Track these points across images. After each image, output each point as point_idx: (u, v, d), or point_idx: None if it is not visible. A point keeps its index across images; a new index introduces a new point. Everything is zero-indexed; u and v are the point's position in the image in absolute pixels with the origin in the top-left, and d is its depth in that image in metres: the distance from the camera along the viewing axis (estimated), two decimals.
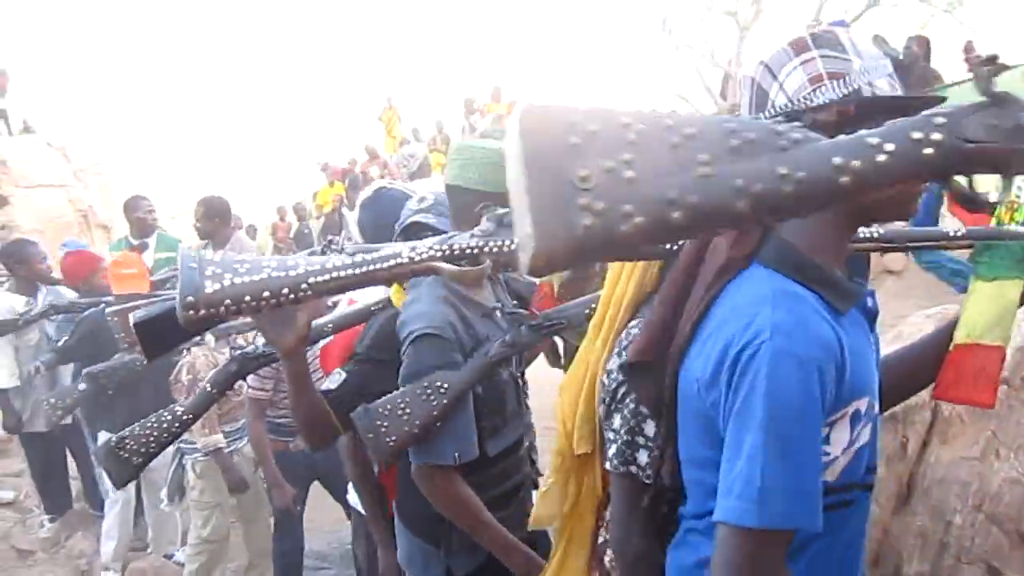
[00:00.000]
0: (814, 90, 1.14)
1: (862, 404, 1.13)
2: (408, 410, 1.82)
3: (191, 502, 3.91)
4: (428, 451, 1.89)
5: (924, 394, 2.61)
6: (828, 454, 1.11)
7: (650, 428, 1.39)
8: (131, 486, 4.23)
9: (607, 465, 1.48)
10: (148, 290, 3.82)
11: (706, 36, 14.86)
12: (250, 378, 3.19)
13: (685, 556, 1.24)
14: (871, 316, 1.24)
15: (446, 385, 1.83)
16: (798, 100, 1.15)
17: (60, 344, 4.21)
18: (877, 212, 1.20)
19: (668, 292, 1.23)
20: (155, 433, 2.29)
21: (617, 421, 1.44)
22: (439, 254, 1.32)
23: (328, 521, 4.37)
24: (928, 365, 1.46)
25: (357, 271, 1.25)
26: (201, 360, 3.42)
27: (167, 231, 6.53)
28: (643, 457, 1.41)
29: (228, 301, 1.15)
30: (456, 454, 1.87)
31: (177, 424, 2.29)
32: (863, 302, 1.21)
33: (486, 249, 1.37)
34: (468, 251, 1.35)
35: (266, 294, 1.18)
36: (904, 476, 2.62)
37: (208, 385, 2.38)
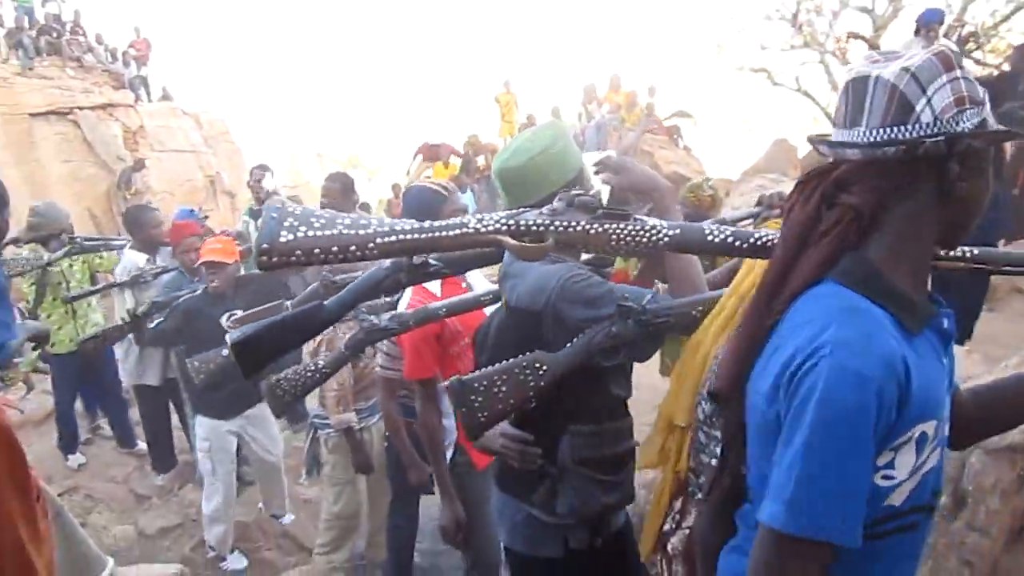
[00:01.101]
0: (958, 112, 1.08)
1: (929, 427, 1.09)
2: (504, 388, 1.81)
3: (324, 476, 3.99)
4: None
5: None
6: (893, 478, 1.08)
7: None
8: (232, 472, 4.41)
9: (713, 461, 1.49)
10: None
11: (838, 33, 14.24)
12: (381, 358, 3.29)
13: (737, 563, 1.23)
14: (946, 338, 1.19)
15: (545, 367, 1.81)
16: (945, 121, 1.08)
17: (154, 327, 4.29)
18: (962, 224, 1.16)
19: (746, 325, 1.20)
20: (301, 380, 2.74)
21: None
22: (504, 227, 1.33)
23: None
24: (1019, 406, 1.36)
25: (422, 235, 1.29)
26: (341, 338, 3.51)
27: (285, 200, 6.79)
28: None
29: (299, 251, 1.23)
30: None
31: (318, 375, 2.76)
32: (938, 323, 1.17)
33: (551, 227, 1.36)
34: (534, 227, 1.35)
35: (335, 248, 1.25)
36: (1020, 510, 2.49)
37: (343, 347, 2.76)
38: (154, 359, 5.09)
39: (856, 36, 13.55)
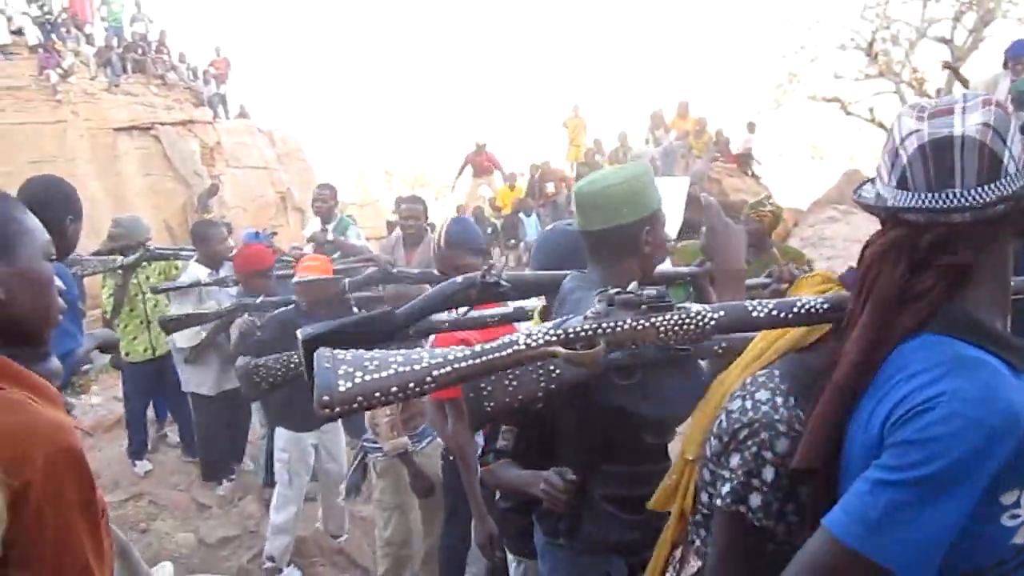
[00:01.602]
0: None
1: None
2: (516, 383, 1.86)
3: (374, 502, 4.03)
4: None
5: None
6: (1020, 516, 1.06)
7: (768, 473, 1.40)
8: (305, 486, 4.49)
9: (717, 502, 1.49)
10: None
11: (915, 63, 13.97)
12: None
13: None
14: None
15: (558, 371, 1.86)
16: (1022, 168, 1.09)
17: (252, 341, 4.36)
18: None
19: (834, 391, 1.17)
20: (281, 369, 3.01)
21: (735, 461, 1.45)
22: (555, 339, 1.36)
23: None
24: None
25: (477, 361, 1.31)
26: None
27: (348, 217, 6.93)
28: (755, 500, 1.42)
29: (360, 398, 1.25)
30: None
31: (299, 370, 2.72)
32: None
33: (599, 332, 1.38)
34: (583, 334, 1.37)
35: (394, 389, 1.27)
36: None
37: None
38: (211, 369, 5.21)
39: (950, 67, 13.22)
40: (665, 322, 1.37)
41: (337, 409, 1.24)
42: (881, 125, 14.38)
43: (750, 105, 16.51)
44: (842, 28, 14.47)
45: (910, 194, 1.14)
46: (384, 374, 1.27)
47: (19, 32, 14.97)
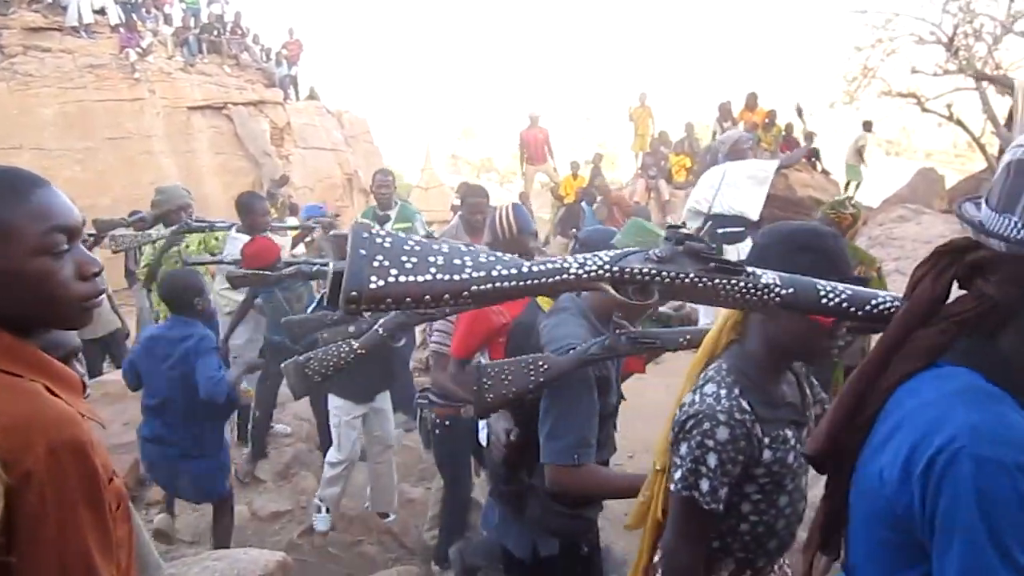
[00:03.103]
0: None
1: None
2: (510, 378, 2.13)
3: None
4: (553, 452, 2.14)
5: None
6: None
7: (712, 460, 1.57)
8: (357, 448, 4.63)
9: (671, 486, 1.66)
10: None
11: (998, 58, 13.42)
12: (436, 335, 3.47)
13: None
14: None
15: (546, 366, 2.11)
16: None
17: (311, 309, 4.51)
18: None
19: (854, 385, 1.14)
20: (332, 359, 3.03)
21: (683, 449, 1.61)
22: (608, 273, 1.25)
23: None
24: None
25: (520, 283, 1.21)
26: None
27: (410, 203, 6.99)
28: (704, 485, 1.59)
29: (389, 300, 1.15)
30: (576, 456, 2.13)
31: (352, 355, 3.04)
32: None
33: (657, 277, 1.26)
34: (638, 275, 1.26)
35: (427, 297, 1.16)
36: None
37: (380, 329, 3.04)
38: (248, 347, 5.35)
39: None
40: (730, 285, 1.26)
41: (364, 306, 1.15)
42: (959, 122, 13.87)
43: (823, 98, 16.10)
44: (921, 22, 13.97)
45: (985, 209, 1.09)
46: (420, 278, 1.16)
47: (101, 12, 15.43)
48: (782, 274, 1.31)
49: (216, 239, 5.67)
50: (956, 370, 1.06)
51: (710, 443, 1.58)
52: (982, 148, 13.79)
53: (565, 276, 1.23)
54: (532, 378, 2.10)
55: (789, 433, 1.69)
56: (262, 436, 5.58)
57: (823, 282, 1.30)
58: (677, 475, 1.63)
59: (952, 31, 13.61)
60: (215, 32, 17.28)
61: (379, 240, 1.18)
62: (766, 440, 1.64)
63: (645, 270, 1.26)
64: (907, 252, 9.28)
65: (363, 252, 1.15)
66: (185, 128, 15.58)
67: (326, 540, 4.65)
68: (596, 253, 1.27)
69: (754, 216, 6.63)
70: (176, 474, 3.94)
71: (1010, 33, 13.34)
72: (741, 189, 6.52)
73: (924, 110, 14.56)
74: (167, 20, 17.21)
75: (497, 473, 2.53)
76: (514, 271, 1.21)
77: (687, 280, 1.26)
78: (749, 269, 1.29)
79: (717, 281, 1.26)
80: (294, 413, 6.13)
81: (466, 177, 24.18)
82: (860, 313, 1.28)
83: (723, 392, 1.62)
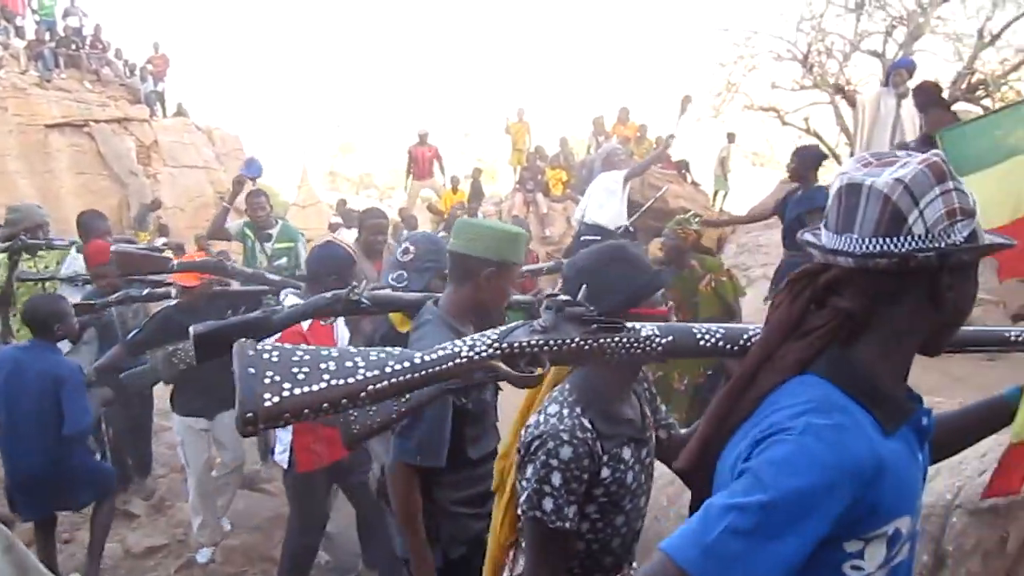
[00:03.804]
0: (951, 224, 1.08)
1: (903, 524, 1.10)
2: (375, 408, 2.07)
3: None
4: (400, 450, 2.27)
5: None
6: (862, 569, 1.09)
7: (556, 479, 1.61)
8: (205, 464, 4.58)
9: (519, 510, 1.69)
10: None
11: (848, 75, 14.30)
12: None
13: None
14: (923, 435, 1.20)
15: (409, 399, 2.07)
16: (937, 233, 1.07)
17: (130, 338, 4.44)
18: (950, 328, 1.19)
19: (723, 400, 1.19)
20: None
21: (529, 471, 1.65)
22: (497, 352, 1.28)
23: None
24: (963, 435, 1.55)
25: (415, 374, 1.22)
26: None
27: (289, 222, 6.85)
28: (548, 504, 1.62)
29: (287, 414, 1.13)
30: (418, 457, 2.25)
31: None
32: (917, 420, 1.17)
33: (544, 347, 1.30)
34: (527, 348, 1.30)
35: (325, 405, 1.15)
36: (1001, 572, 2.47)
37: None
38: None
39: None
40: (614, 343, 1.32)
41: (261, 426, 1.12)
42: (816, 135, 14.69)
43: (691, 113, 16.73)
44: (779, 40, 14.77)
45: (825, 233, 1.16)
46: (315, 387, 1.14)
47: None
48: (660, 324, 1.38)
49: (41, 257, 5.38)
50: (816, 381, 1.12)
51: (554, 462, 1.62)
52: (837, 159, 14.65)
53: (457, 360, 1.26)
54: (394, 407, 2.08)
55: (627, 453, 1.74)
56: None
57: (699, 326, 1.37)
58: (523, 496, 1.66)
59: (807, 48, 14.42)
60: (73, 46, 16.46)
61: (266, 355, 1.16)
62: (605, 458, 1.69)
63: (532, 342, 1.30)
64: (773, 259, 9.73)
65: (252, 371, 1.13)
66: (42, 147, 14.78)
67: (206, 572, 4.48)
68: (484, 333, 1.31)
69: (611, 226, 6.95)
70: (58, 490, 3.91)
71: (857, 51, 14.25)
72: (599, 200, 6.80)
73: (784, 123, 15.35)
74: (19, 33, 16.30)
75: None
76: (407, 364, 1.22)
77: (573, 345, 1.31)
78: (628, 325, 1.34)
79: (601, 341, 1.31)
80: (167, 443, 5.88)
81: (345, 194, 23.83)
82: (736, 349, 1.35)
83: (565, 412, 1.67)
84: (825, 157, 5.87)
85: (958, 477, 2.59)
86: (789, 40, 14.64)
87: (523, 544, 1.78)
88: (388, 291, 2.83)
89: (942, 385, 4.92)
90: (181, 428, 4.53)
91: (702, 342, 1.35)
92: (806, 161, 5.52)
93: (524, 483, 1.66)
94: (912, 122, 7.37)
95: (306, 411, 1.13)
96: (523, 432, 1.70)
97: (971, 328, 1.36)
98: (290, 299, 3.62)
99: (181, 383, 4.12)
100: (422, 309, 2.48)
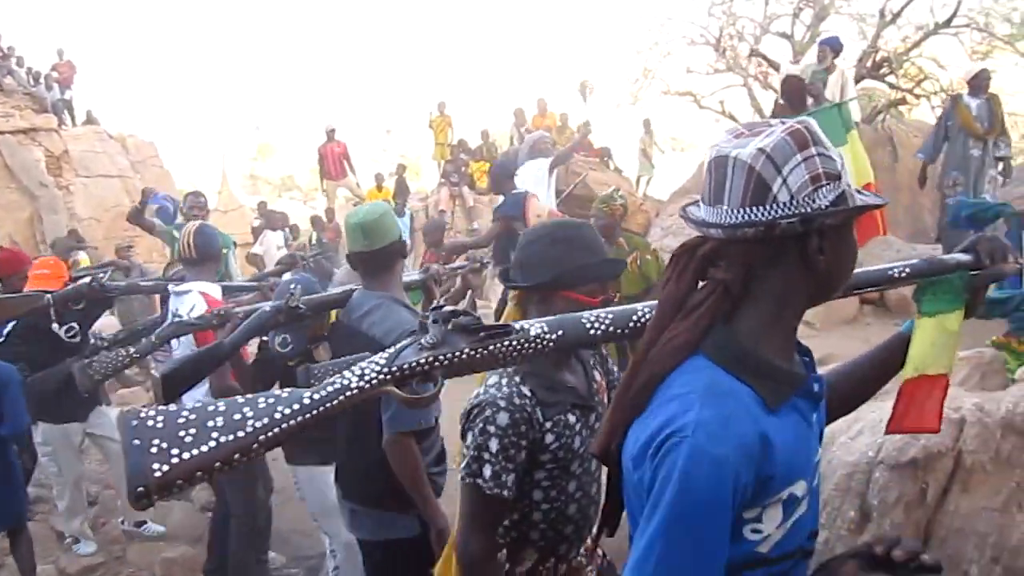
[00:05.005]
0: (815, 190, 1.11)
1: (797, 488, 1.15)
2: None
3: None
4: (399, 422, 2.33)
5: (947, 441, 2.62)
6: (761, 531, 1.13)
7: (494, 445, 1.67)
8: (77, 467, 4.73)
9: (459, 476, 1.75)
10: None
11: (759, 57, 14.65)
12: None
13: None
14: (816, 399, 1.24)
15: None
16: (801, 200, 1.11)
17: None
18: (827, 290, 1.22)
19: (625, 383, 1.21)
20: (112, 363, 3.33)
21: (468, 438, 1.72)
22: (388, 376, 1.26)
23: None
24: (867, 382, 1.58)
25: (306, 414, 1.19)
26: None
27: (214, 225, 6.73)
28: (487, 471, 1.68)
29: (180, 481, 1.09)
30: (420, 422, 2.36)
31: (128, 359, 3.38)
32: (808, 388, 1.21)
33: (436, 363, 1.29)
34: (418, 368, 1.28)
35: (218, 464, 1.12)
36: (922, 523, 2.61)
37: (152, 338, 3.39)
38: None
39: (757, 54, 14.09)
40: (505, 347, 1.32)
41: (155, 497, 1.08)
42: (731, 117, 15.03)
43: (609, 100, 16.94)
44: (692, 25, 15.05)
45: (702, 207, 1.20)
46: (205, 448, 1.11)
47: None
48: (549, 319, 1.37)
49: None
50: (704, 364, 1.15)
51: (491, 428, 1.68)
52: None
53: (349, 393, 1.24)
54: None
55: (573, 418, 1.78)
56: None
57: (587, 314, 1.38)
58: (463, 464, 1.72)
59: (719, 32, 14.74)
60: None
61: (150, 423, 1.12)
62: (547, 424, 1.73)
63: (422, 360, 1.28)
64: None
65: (137, 442, 1.09)
66: None
67: None
68: (372, 359, 1.29)
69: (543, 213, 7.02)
70: None
71: (768, 33, 14.62)
72: (527, 188, 6.87)
73: (701, 107, 15.66)
74: None
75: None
76: (296, 406, 1.19)
77: (464, 356, 1.30)
78: (517, 326, 1.34)
79: (492, 348, 1.31)
80: (99, 459, 5.72)
81: (266, 197, 23.33)
82: (626, 332, 1.37)
83: (504, 381, 1.73)
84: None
85: (879, 435, 2.72)
86: (702, 25, 14.94)
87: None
88: (317, 294, 3.01)
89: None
90: (49, 435, 4.52)
91: (592, 331, 1.36)
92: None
93: (464, 451, 1.72)
94: (834, 98, 7.64)
95: (199, 473, 1.11)
96: (465, 403, 1.77)
97: (856, 271, 1.39)
98: (191, 297, 3.67)
99: (47, 390, 4.20)
100: (353, 298, 2.68)
